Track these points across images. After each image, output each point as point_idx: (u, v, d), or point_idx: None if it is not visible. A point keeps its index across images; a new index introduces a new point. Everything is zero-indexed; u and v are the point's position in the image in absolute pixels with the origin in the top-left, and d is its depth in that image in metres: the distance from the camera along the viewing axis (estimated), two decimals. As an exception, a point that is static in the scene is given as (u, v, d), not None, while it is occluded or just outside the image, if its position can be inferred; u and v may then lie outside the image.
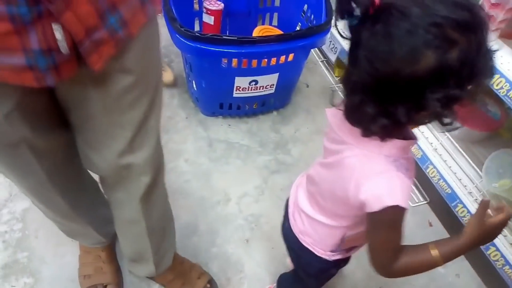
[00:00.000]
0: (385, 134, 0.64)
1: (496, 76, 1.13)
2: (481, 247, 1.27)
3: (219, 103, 1.72)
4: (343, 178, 0.70)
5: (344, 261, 0.95)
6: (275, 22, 1.99)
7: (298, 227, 0.91)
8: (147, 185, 0.89)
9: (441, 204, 1.46)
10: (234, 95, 1.65)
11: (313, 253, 0.89)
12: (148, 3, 0.66)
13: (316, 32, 1.49)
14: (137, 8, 0.64)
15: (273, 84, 1.66)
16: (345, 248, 0.90)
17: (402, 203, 0.62)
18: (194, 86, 1.69)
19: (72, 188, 0.96)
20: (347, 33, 0.64)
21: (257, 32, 1.82)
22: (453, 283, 1.40)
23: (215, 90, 1.65)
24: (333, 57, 1.99)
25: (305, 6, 1.83)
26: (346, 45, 1.89)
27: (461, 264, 1.45)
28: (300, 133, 1.81)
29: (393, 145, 0.65)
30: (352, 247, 0.91)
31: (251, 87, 1.62)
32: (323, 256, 0.89)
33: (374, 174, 0.65)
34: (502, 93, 1.11)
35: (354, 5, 0.57)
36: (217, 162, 1.63)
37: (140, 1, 0.64)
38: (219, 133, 1.75)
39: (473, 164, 1.38)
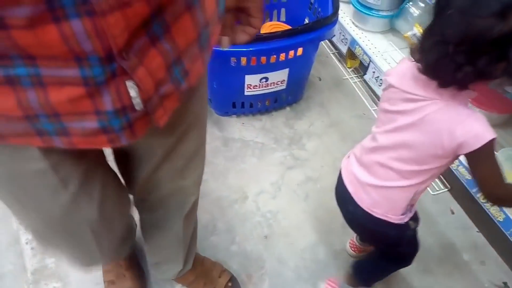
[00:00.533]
0: (465, 83, 0.75)
1: None
2: (506, 231, 1.24)
3: (231, 102, 1.73)
4: (432, 131, 0.79)
5: (414, 220, 0.99)
6: (283, 18, 1.98)
7: (367, 202, 0.95)
8: (193, 203, 0.96)
9: (462, 191, 1.43)
10: (246, 93, 1.66)
11: (387, 222, 0.94)
12: (206, 50, 0.61)
13: (323, 25, 1.48)
14: (197, 56, 0.59)
15: (284, 80, 1.65)
16: (411, 206, 0.96)
17: (495, 135, 0.75)
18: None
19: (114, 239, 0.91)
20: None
21: (265, 28, 1.82)
22: (478, 271, 1.37)
23: (226, 90, 1.66)
24: (344, 48, 1.97)
25: (312, 0, 1.82)
26: (356, 34, 1.87)
27: (486, 251, 1.42)
28: (315, 127, 1.80)
29: (467, 95, 0.78)
30: (413, 204, 0.96)
31: (262, 84, 1.63)
32: (396, 222, 0.94)
33: (463, 118, 0.76)
34: None
35: None
36: (233, 161, 1.65)
37: (199, 48, 0.59)
38: (234, 132, 1.76)
39: (493, 148, 1.34)
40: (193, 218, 1.06)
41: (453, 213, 1.52)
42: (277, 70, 1.59)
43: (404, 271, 1.30)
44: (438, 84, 0.76)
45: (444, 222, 1.49)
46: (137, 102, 0.50)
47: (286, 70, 1.61)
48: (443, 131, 0.78)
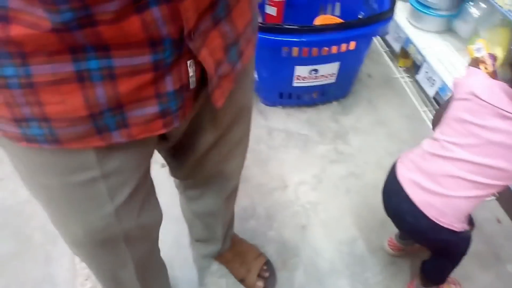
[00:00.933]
0: None
1: None
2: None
3: (279, 92, 1.75)
4: None
5: (471, 223, 1.03)
6: (337, 12, 1.97)
7: (433, 212, 0.93)
8: (234, 187, 1.00)
9: (510, 200, 1.37)
10: (294, 84, 1.68)
11: (451, 230, 0.93)
12: (255, 32, 0.64)
13: (377, 20, 1.47)
14: (250, 37, 0.61)
15: (334, 73, 1.65)
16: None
17: None
18: (256, 76, 1.74)
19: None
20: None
21: (318, 21, 1.82)
22: None
23: (275, 80, 1.69)
24: (397, 47, 1.93)
25: (368, -6, 1.80)
26: (411, 33, 1.83)
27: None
28: (361, 123, 1.79)
29: None
30: None
31: (312, 76, 1.64)
32: (460, 230, 0.94)
33: None
34: None
35: None
36: (275, 150, 1.67)
37: (252, 30, 0.61)
38: (278, 122, 1.78)
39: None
40: (233, 201, 1.10)
41: (499, 222, 1.46)
42: (328, 63, 1.59)
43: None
44: None
45: (489, 230, 1.43)
46: (193, 80, 0.53)
47: (337, 64, 1.61)
48: None
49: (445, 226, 0.93)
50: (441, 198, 0.92)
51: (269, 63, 1.61)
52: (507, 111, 0.80)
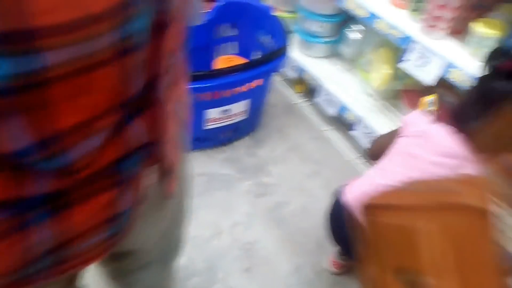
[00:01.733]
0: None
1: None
2: None
3: (193, 138, 1.71)
4: None
5: None
6: (234, 51, 2.03)
7: None
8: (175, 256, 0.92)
9: None
10: (207, 127, 1.66)
11: None
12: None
13: (280, 55, 1.54)
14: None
15: (244, 111, 1.68)
16: None
17: None
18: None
19: None
20: None
21: (219, 63, 1.84)
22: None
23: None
24: (292, 74, 2.05)
25: (261, 32, 1.88)
26: (303, 61, 1.97)
27: None
28: (276, 152, 1.84)
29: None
30: None
31: (224, 116, 1.64)
32: None
33: None
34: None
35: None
36: (201, 197, 1.62)
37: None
38: (198, 167, 1.74)
39: None
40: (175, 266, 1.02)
41: None
42: (238, 102, 1.61)
43: None
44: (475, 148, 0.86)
45: None
46: (150, 185, 0.48)
47: (247, 101, 1.64)
48: None
49: None
50: None
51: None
52: (453, 149, 0.88)
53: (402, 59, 1.41)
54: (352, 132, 1.78)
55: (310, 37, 1.93)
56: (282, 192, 1.67)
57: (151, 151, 0.43)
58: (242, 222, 1.55)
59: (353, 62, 1.90)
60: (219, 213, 1.57)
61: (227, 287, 1.35)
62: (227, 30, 1.94)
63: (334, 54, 2.02)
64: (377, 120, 1.69)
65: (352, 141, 1.87)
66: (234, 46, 2.00)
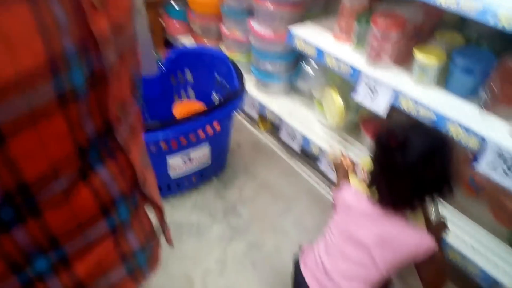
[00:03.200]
0: (413, 208, 0.97)
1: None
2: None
3: (158, 187, 1.68)
4: (393, 248, 0.95)
5: None
6: (192, 95, 2.05)
7: None
8: None
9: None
10: (171, 175, 1.64)
11: None
12: None
13: (235, 97, 1.56)
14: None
15: (207, 155, 1.67)
16: None
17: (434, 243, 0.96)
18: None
19: None
20: None
21: (178, 108, 1.85)
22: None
23: (150, 176, 1.62)
24: (254, 114, 2.08)
25: (217, 75, 1.92)
26: (262, 99, 2.00)
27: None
28: (245, 193, 1.82)
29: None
30: None
31: (187, 164, 1.62)
32: None
33: (411, 234, 0.95)
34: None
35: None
36: (170, 248, 1.57)
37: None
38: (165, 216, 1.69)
39: None
40: None
41: None
42: (198, 148, 1.60)
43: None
44: (393, 209, 0.96)
45: None
46: (157, 225, 0.51)
47: (208, 146, 1.63)
48: (403, 246, 0.94)
49: None
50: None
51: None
52: (370, 214, 0.98)
53: (354, 91, 1.45)
54: (319, 165, 1.79)
55: (265, 76, 1.97)
56: (254, 233, 1.64)
57: (139, 197, 0.46)
58: (215, 269, 1.50)
59: (311, 97, 1.94)
60: (191, 263, 1.52)
61: None
62: (183, 77, 1.97)
63: (292, 90, 2.07)
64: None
65: (320, 173, 1.88)
66: (191, 91, 2.02)
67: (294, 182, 1.90)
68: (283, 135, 1.92)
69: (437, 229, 1.06)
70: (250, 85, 2.10)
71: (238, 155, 2.03)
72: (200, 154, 1.64)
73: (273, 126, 2.11)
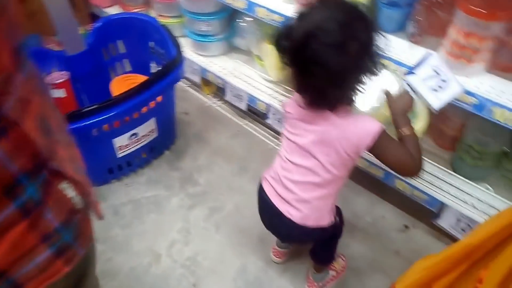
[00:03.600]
0: (347, 101, 0.92)
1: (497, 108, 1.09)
2: (389, 184, 1.42)
3: (107, 169, 1.63)
4: (334, 144, 0.91)
5: (338, 213, 1.11)
6: (128, 68, 1.96)
7: (299, 217, 1.00)
8: None
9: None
10: (119, 155, 1.58)
11: (322, 228, 1.02)
12: None
13: (174, 66, 1.50)
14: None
15: (153, 129, 1.63)
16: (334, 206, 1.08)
17: (381, 125, 0.90)
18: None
19: None
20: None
21: (116, 84, 1.76)
22: (382, 225, 1.54)
23: (98, 160, 1.56)
24: (197, 79, 2.03)
25: (151, 43, 1.83)
26: (203, 63, 1.94)
27: (383, 207, 1.60)
28: (199, 160, 1.81)
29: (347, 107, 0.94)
30: (335, 205, 1.09)
31: (133, 141, 1.57)
32: (329, 225, 1.04)
33: (352, 124, 0.90)
34: (510, 123, 1.07)
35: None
36: (131, 226, 1.55)
37: None
38: (120, 196, 1.66)
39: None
40: None
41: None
42: (143, 123, 1.55)
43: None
44: (328, 110, 0.90)
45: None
46: (77, 200, 0.49)
47: (153, 119, 1.58)
48: (342, 140, 0.90)
49: (314, 227, 1.02)
50: (301, 204, 1.01)
51: (85, 148, 1.47)
52: (307, 118, 0.94)
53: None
54: (268, 121, 1.79)
55: (202, 38, 1.91)
56: (213, 197, 1.65)
57: (48, 173, 0.43)
58: (179, 239, 1.51)
59: (250, 53, 1.91)
60: (154, 237, 1.51)
61: (177, 310, 1.31)
62: (116, 49, 1.87)
63: (231, 49, 2.02)
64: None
65: (269, 128, 1.89)
66: (127, 63, 1.93)
67: (246, 141, 1.90)
68: (229, 97, 1.89)
69: (398, 104, 1.01)
70: (188, 49, 2.03)
71: (187, 124, 1.99)
72: (146, 129, 1.59)
73: (218, 89, 2.08)
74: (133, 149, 1.61)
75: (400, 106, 1.02)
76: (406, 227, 1.54)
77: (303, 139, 0.96)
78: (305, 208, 1.00)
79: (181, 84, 2.21)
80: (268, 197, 1.06)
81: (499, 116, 1.08)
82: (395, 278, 1.35)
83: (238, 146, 1.87)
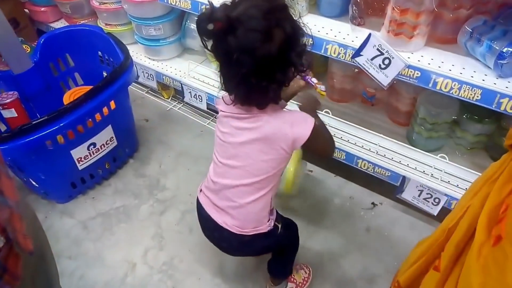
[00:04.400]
0: (276, 98, 0.88)
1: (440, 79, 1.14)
2: (351, 164, 1.46)
3: (70, 183, 1.59)
4: (271, 142, 0.89)
5: (277, 219, 1.07)
6: (80, 82, 1.91)
7: (236, 225, 0.98)
8: None
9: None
10: (80, 168, 1.55)
11: (261, 234, 0.99)
12: None
13: (122, 71, 1.49)
14: None
15: (112, 137, 1.60)
16: (271, 210, 1.04)
17: (313, 120, 0.91)
18: (34, 183, 1.53)
19: None
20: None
21: (68, 97, 1.72)
22: (351, 205, 1.58)
23: (58, 175, 1.53)
24: (153, 84, 2.01)
25: (99, 53, 1.80)
26: (157, 67, 1.93)
27: (350, 187, 1.65)
28: (165, 165, 1.79)
29: (281, 104, 0.94)
30: (272, 208, 1.06)
31: (92, 151, 1.55)
32: (267, 230, 1.01)
33: (287, 121, 0.89)
34: (454, 93, 1.12)
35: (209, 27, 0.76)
36: (102, 239, 1.52)
37: None
38: (88, 210, 1.63)
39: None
40: None
41: (311, 171, 1.71)
42: (100, 132, 1.53)
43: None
44: (256, 107, 0.88)
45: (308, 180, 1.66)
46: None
47: (109, 127, 1.56)
48: (278, 137, 0.89)
49: (252, 233, 1.00)
50: (236, 210, 0.98)
51: (41, 164, 1.44)
52: (241, 115, 0.90)
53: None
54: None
55: (153, 42, 1.89)
56: (183, 200, 1.64)
57: None
58: (153, 246, 1.50)
59: (203, 53, 1.91)
60: (127, 248, 1.49)
61: (158, 316, 1.30)
62: (64, 63, 1.83)
63: (184, 51, 2.02)
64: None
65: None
66: (78, 77, 1.89)
67: (211, 140, 1.88)
68: (188, 98, 1.89)
69: (309, 103, 1.05)
70: (141, 55, 2.01)
71: (149, 130, 1.97)
72: (104, 138, 1.56)
73: (176, 92, 2.07)
74: (93, 160, 1.58)
75: (309, 103, 1.06)
76: (374, 204, 1.60)
77: (236, 138, 0.93)
78: (241, 214, 0.98)
79: (138, 92, 2.18)
80: (204, 210, 1.04)
81: (443, 86, 1.13)
82: (368, 255, 1.42)
83: (203, 145, 1.87)
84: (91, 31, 1.74)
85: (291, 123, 0.89)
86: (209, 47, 0.82)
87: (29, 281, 0.65)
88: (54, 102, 1.73)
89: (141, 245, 1.50)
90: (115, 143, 1.64)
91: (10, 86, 1.62)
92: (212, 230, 1.04)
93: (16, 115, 1.57)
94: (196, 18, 0.79)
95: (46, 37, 1.72)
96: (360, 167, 1.48)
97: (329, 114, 1.57)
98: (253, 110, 0.89)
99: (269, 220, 1.03)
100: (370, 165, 1.46)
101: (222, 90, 0.90)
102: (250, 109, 0.89)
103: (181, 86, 1.86)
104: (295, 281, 1.31)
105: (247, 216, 0.98)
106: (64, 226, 1.57)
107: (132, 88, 2.18)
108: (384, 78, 1.18)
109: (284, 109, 0.95)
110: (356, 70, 1.62)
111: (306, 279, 1.33)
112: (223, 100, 0.93)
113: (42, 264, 0.72)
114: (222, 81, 0.88)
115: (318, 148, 0.99)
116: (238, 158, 0.94)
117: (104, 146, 1.59)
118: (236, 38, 0.75)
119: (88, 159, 1.56)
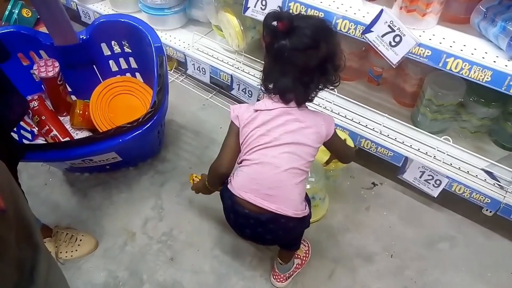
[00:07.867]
0: (310, 97, 1.00)
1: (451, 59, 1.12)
2: (354, 143, 1.46)
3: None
4: (314, 127, 1.00)
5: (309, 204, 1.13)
6: (134, 65, 1.78)
7: (292, 207, 1.01)
8: None
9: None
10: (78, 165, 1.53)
11: (301, 218, 1.03)
12: None
13: (153, 115, 1.40)
14: None
15: (115, 157, 1.50)
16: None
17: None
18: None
19: None
20: None
21: (100, 89, 1.62)
22: (351, 185, 1.58)
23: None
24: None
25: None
26: (162, 37, 1.89)
27: (351, 167, 1.65)
28: (166, 136, 1.78)
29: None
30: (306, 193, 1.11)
31: (87, 161, 1.47)
32: (308, 213, 1.06)
33: (320, 116, 1.03)
34: (464, 73, 1.11)
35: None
36: (101, 208, 1.53)
37: None
38: (88, 179, 1.63)
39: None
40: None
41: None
42: (100, 155, 1.44)
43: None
44: (295, 101, 0.98)
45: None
46: None
47: (113, 153, 1.47)
48: (318, 129, 1.00)
49: (301, 216, 1.02)
50: (282, 192, 0.99)
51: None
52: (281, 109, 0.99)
53: (244, 8, 1.42)
54: (233, 92, 1.78)
55: (158, 11, 1.85)
56: (183, 171, 1.64)
57: None
58: (153, 216, 1.50)
59: (209, 24, 1.87)
60: (127, 217, 1.50)
61: (156, 284, 1.32)
62: (119, 46, 1.72)
63: (189, 22, 1.98)
64: (248, 75, 1.71)
65: (234, 99, 1.88)
66: (132, 61, 1.78)
67: (213, 114, 1.89)
68: (191, 70, 1.86)
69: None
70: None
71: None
72: (105, 157, 1.48)
73: (179, 64, 2.04)
74: (90, 165, 1.54)
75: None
76: (374, 184, 1.60)
77: (286, 127, 0.99)
78: (294, 196, 1.01)
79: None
80: (247, 206, 1.01)
81: (453, 66, 1.11)
82: (367, 233, 1.43)
83: (204, 119, 1.86)
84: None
85: (322, 118, 1.02)
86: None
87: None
88: (90, 80, 1.70)
89: (141, 215, 1.51)
90: (119, 159, 1.53)
91: (52, 51, 1.58)
92: (255, 226, 1.03)
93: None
94: (266, 16, 0.92)
95: (102, 22, 1.62)
96: (363, 147, 1.48)
97: (335, 92, 1.55)
98: (293, 106, 0.99)
99: (306, 205, 1.06)
100: (373, 145, 1.45)
101: (261, 85, 1.02)
102: (290, 104, 0.99)
103: (185, 57, 1.83)
104: (299, 256, 1.33)
105: (299, 198, 1.02)
106: (64, 194, 1.57)
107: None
108: (394, 56, 1.16)
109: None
110: (364, 48, 1.59)
111: (306, 252, 1.36)
112: (265, 103, 1.01)
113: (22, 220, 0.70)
114: (266, 74, 1.00)
115: (341, 147, 1.11)
116: (290, 145, 0.99)
117: (102, 161, 1.52)
118: (291, 39, 0.90)
119: (81, 164, 1.53)
